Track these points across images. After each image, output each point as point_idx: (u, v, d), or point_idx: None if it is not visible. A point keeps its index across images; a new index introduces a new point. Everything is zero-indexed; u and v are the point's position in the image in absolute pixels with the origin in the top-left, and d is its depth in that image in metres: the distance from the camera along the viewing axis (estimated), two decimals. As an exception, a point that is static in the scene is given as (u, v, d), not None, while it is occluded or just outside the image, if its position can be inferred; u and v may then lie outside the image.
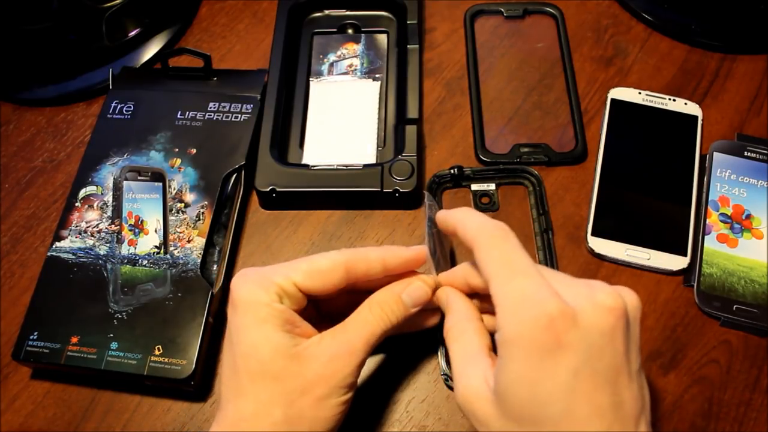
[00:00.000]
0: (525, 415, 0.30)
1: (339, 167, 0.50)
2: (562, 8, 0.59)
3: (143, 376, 0.42)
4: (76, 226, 0.48)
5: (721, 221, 0.48)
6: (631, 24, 0.59)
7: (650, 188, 0.50)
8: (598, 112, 0.54)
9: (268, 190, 0.49)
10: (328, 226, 0.50)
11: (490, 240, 0.33)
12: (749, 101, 0.55)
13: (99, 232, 0.47)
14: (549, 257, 0.47)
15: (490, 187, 0.51)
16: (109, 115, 0.53)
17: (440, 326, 0.41)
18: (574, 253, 0.49)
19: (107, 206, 0.49)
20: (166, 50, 0.56)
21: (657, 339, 0.45)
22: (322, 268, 0.36)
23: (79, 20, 0.58)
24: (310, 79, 0.56)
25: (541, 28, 0.59)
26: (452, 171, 0.50)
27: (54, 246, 0.47)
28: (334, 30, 0.59)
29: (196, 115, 0.52)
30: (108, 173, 0.50)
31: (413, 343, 0.43)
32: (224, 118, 0.52)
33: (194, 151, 0.50)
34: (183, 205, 0.48)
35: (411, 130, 0.50)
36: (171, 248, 0.46)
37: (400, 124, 0.52)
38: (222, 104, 0.53)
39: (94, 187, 0.49)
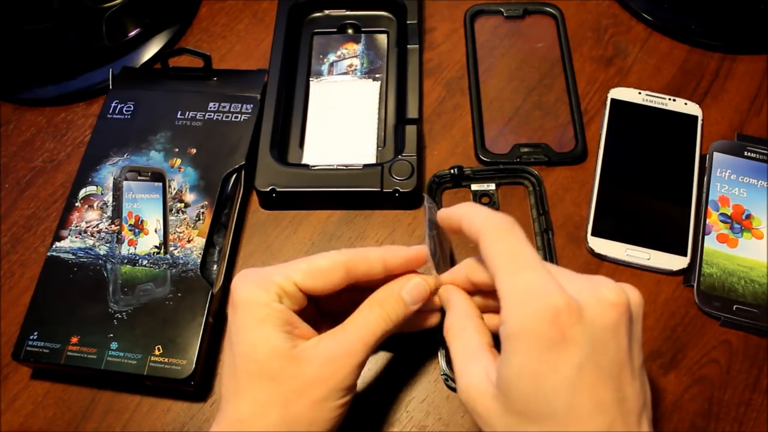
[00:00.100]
0: (528, 410, 0.30)
1: (339, 167, 0.50)
2: (562, 8, 0.59)
3: (143, 376, 0.42)
4: (76, 226, 0.48)
5: (721, 221, 0.48)
6: (631, 24, 0.59)
7: (650, 188, 0.50)
8: (598, 112, 0.54)
9: (268, 190, 0.49)
10: (328, 226, 0.50)
11: (497, 232, 0.33)
12: (749, 101, 0.55)
13: (99, 232, 0.47)
14: (549, 257, 0.47)
15: (490, 187, 0.51)
16: (109, 115, 0.53)
17: (440, 326, 0.41)
18: (574, 253, 0.49)
19: (107, 206, 0.49)
20: (166, 50, 0.56)
21: (657, 339, 0.45)
22: (323, 268, 0.36)
23: (79, 20, 0.58)
24: (310, 79, 0.56)
25: (541, 28, 0.59)
26: (452, 171, 0.50)
27: (54, 246, 0.47)
28: (334, 30, 0.59)
29: (196, 115, 0.52)
30: (108, 173, 0.50)
31: (413, 343, 0.43)
32: (224, 118, 0.52)
33: (194, 151, 0.50)
34: (183, 205, 0.48)
35: (411, 130, 0.51)
36: (171, 248, 0.46)
37: (400, 124, 0.52)
38: (222, 104, 0.53)
39: (94, 187, 0.49)
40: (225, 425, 0.34)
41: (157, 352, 0.42)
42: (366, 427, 0.43)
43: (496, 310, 0.37)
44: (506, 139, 0.53)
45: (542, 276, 0.31)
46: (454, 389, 0.43)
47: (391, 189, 0.48)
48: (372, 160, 0.52)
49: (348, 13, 0.59)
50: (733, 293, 0.46)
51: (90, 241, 0.47)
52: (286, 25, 0.57)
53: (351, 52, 0.58)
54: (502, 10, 0.60)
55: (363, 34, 0.59)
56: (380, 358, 0.45)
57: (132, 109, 0.53)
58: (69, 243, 0.47)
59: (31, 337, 0.43)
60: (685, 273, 0.47)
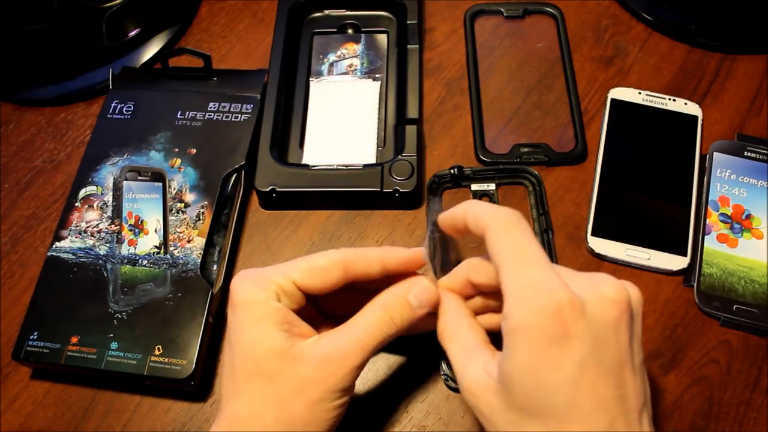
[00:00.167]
0: (529, 405, 0.30)
1: (339, 167, 0.50)
2: (562, 8, 0.59)
3: (143, 376, 0.42)
4: (76, 226, 0.48)
5: (721, 221, 0.48)
6: (631, 24, 0.59)
7: (650, 188, 0.50)
8: (598, 112, 0.54)
9: (268, 190, 0.49)
10: (328, 226, 0.50)
11: (504, 226, 0.33)
12: (749, 101, 0.55)
13: (99, 232, 0.47)
14: (549, 257, 0.47)
15: (490, 187, 0.51)
16: (109, 115, 0.53)
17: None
18: (574, 253, 0.49)
19: (107, 206, 0.49)
20: (166, 50, 0.56)
21: (657, 339, 0.45)
22: (321, 266, 0.36)
23: (79, 20, 0.58)
24: (310, 79, 0.56)
25: (541, 28, 0.59)
26: (452, 171, 0.50)
27: (54, 246, 0.47)
28: (334, 30, 0.59)
29: (196, 115, 0.52)
30: (108, 173, 0.50)
31: (413, 343, 0.43)
32: (224, 118, 0.52)
33: (194, 151, 0.50)
34: (183, 205, 0.48)
35: (411, 130, 0.51)
36: (171, 248, 0.46)
37: (400, 124, 0.52)
38: (222, 104, 0.53)
39: (94, 187, 0.49)
40: (223, 425, 0.34)
41: (157, 352, 0.42)
42: (366, 427, 0.43)
43: (497, 310, 0.37)
44: (506, 139, 0.53)
45: (547, 272, 0.31)
46: (454, 389, 0.43)
47: (391, 189, 0.48)
48: (372, 160, 0.52)
49: (348, 13, 0.59)
50: (733, 293, 0.46)
51: (90, 241, 0.47)
52: (286, 25, 0.57)
53: (351, 52, 0.58)
54: (502, 10, 0.60)
55: (363, 34, 0.59)
56: (380, 359, 0.45)
57: (132, 109, 0.53)
58: (69, 243, 0.47)
59: (31, 337, 0.43)
60: (685, 273, 0.47)
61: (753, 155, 0.51)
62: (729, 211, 0.48)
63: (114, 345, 0.43)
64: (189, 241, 0.47)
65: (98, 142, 0.52)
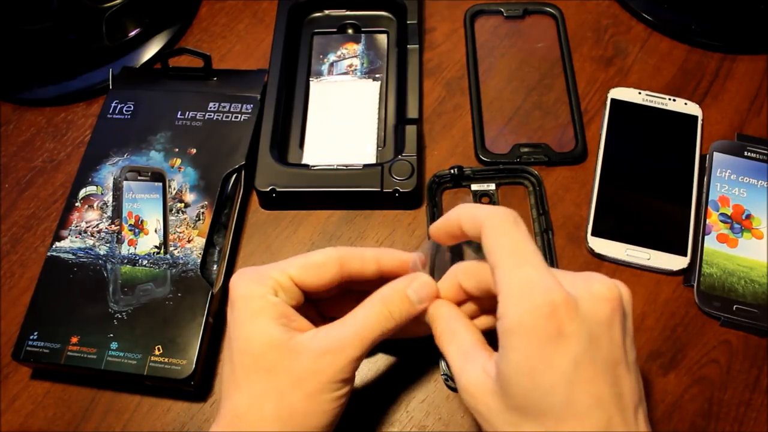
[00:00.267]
0: (527, 406, 0.30)
1: (339, 167, 0.50)
2: (562, 8, 0.59)
3: (143, 376, 0.42)
4: (76, 226, 0.48)
5: (721, 221, 0.48)
6: (631, 24, 0.59)
7: (650, 188, 0.50)
8: (598, 112, 0.54)
9: (268, 190, 0.49)
10: (328, 226, 0.50)
11: (501, 225, 0.33)
12: (749, 101, 0.55)
13: (99, 232, 0.47)
14: (549, 257, 0.47)
15: (490, 187, 0.51)
16: (109, 115, 0.53)
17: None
18: (574, 253, 0.49)
19: (107, 206, 0.49)
20: (166, 50, 0.56)
21: (657, 339, 0.45)
22: (317, 262, 0.36)
23: (79, 20, 0.58)
24: (310, 79, 0.56)
25: (541, 28, 0.59)
26: (452, 171, 0.50)
27: (54, 246, 0.47)
28: (334, 30, 0.59)
29: (196, 115, 0.52)
30: (108, 173, 0.50)
31: (413, 344, 0.43)
32: (224, 118, 0.52)
33: (194, 151, 0.50)
34: (183, 205, 0.48)
35: (411, 130, 0.51)
36: (171, 248, 0.46)
37: (400, 124, 0.52)
38: (222, 104, 0.53)
39: (94, 187, 0.49)
40: (223, 422, 0.34)
41: (157, 352, 0.42)
42: (366, 426, 0.43)
43: (490, 312, 0.37)
44: (506, 139, 0.53)
45: (542, 272, 0.31)
46: (454, 389, 0.43)
47: (391, 189, 0.48)
48: (372, 160, 0.52)
49: (348, 13, 0.59)
50: (733, 293, 0.46)
51: (90, 241, 0.47)
52: (286, 25, 0.57)
53: (351, 52, 0.58)
54: (502, 10, 0.60)
55: (363, 34, 0.59)
56: (380, 359, 0.45)
57: (132, 109, 0.53)
58: (69, 243, 0.47)
59: (31, 337, 0.43)
60: (685, 273, 0.47)
61: (753, 155, 0.51)
62: (729, 211, 0.48)
63: (114, 345, 0.43)
64: (189, 241, 0.47)
65: (98, 142, 0.52)
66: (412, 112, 0.52)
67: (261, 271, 0.36)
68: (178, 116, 0.52)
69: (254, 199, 0.52)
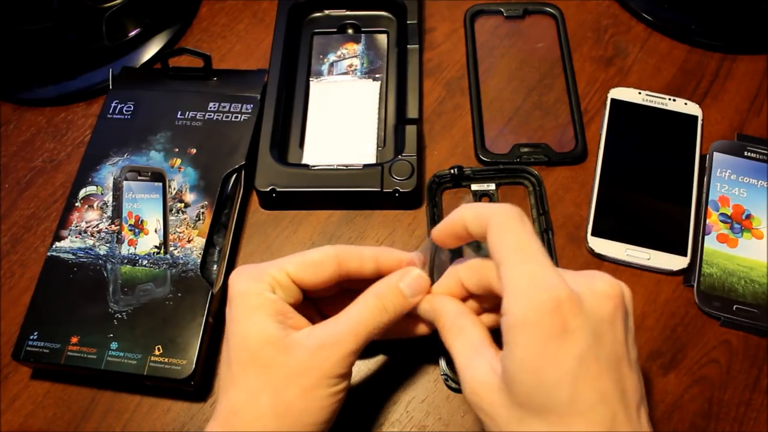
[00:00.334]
0: (531, 403, 0.30)
1: (339, 167, 0.50)
2: (562, 8, 0.59)
3: (143, 376, 0.42)
4: (76, 226, 0.48)
5: (721, 221, 0.48)
6: (631, 24, 0.59)
7: (650, 188, 0.50)
8: (598, 112, 0.54)
9: (268, 190, 0.49)
10: (328, 226, 0.50)
11: (507, 222, 0.32)
12: (749, 101, 0.55)
13: (99, 232, 0.47)
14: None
15: (490, 187, 0.51)
16: (109, 115, 0.53)
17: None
18: (574, 253, 0.49)
19: (107, 206, 0.49)
20: (166, 50, 0.56)
21: (657, 339, 0.45)
22: (315, 260, 0.36)
23: (79, 20, 0.58)
24: (310, 79, 0.56)
25: (541, 28, 0.59)
26: (452, 171, 0.50)
27: (54, 246, 0.47)
28: (334, 30, 0.59)
29: (196, 115, 0.52)
30: (108, 173, 0.50)
31: (413, 344, 0.43)
32: (224, 118, 0.52)
33: (194, 151, 0.50)
34: (183, 205, 0.48)
35: (411, 130, 0.51)
36: (171, 248, 0.46)
37: (400, 124, 0.52)
38: (222, 104, 0.53)
39: (94, 187, 0.49)
40: (219, 418, 0.35)
41: (157, 352, 0.42)
42: (366, 427, 0.43)
43: (490, 311, 0.37)
44: (506, 139, 0.53)
45: (547, 269, 0.31)
46: (454, 389, 0.43)
47: (391, 189, 0.48)
48: (372, 160, 0.52)
49: (348, 13, 0.59)
50: (733, 293, 0.46)
51: (90, 241, 0.47)
52: (286, 25, 0.57)
53: (351, 52, 0.58)
54: (502, 10, 0.60)
55: (363, 34, 0.59)
56: (381, 359, 0.45)
57: (132, 109, 0.53)
58: (69, 243, 0.47)
59: (31, 337, 0.43)
60: (685, 273, 0.47)
61: (753, 155, 0.51)
62: (729, 211, 0.48)
63: (114, 345, 0.43)
64: (189, 241, 0.47)
65: (98, 142, 0.52)
66: (412, 112, 0.52)
67: (259, 269, 0.36)
68: (178, 116, 0.52)
69: (254, 199, 0.52)
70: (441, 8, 0.61)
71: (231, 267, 0.48)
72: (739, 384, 0.44)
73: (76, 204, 0.49)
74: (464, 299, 0.37)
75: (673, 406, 0.43)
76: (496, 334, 0.33)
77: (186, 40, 0.61)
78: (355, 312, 0.36)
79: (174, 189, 0.49)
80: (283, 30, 0.56)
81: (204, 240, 0.47)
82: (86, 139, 0.55)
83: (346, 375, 0.35)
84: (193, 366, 0.42)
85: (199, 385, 0.43)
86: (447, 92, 0.56)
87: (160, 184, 0.49)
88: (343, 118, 0.54)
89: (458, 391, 0.43)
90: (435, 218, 0.49)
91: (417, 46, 0.55)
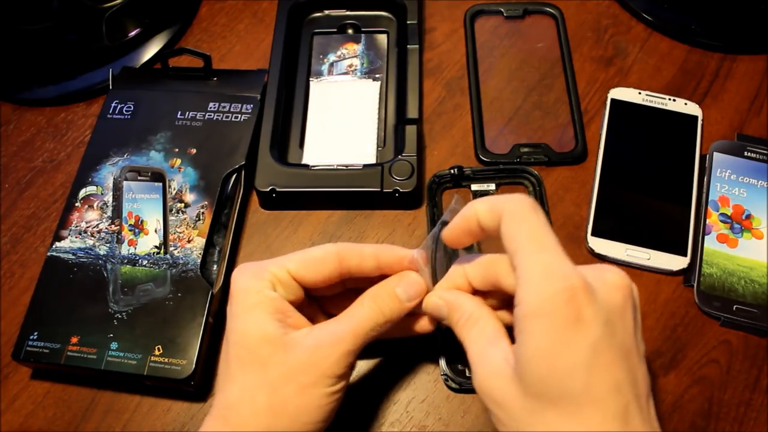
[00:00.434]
0: (546, 392, 0.29)
1: (339, 167, 0.50)
2: (562, 8, 0.59)
3: (143, 376, 0.42)
4: (76, 226, 0.48)
5: (721, 221, 0.48)
6: (631, 24, 0.59)
7: (650, 188, 0.50)
8: (598, 112, 0.54)
9: (268, 190, 0.49)
10: (328, 226, 0.50)
11: (521, 212, 0.32)
12: (749, 101, 0.55)
13: (99, 232, 0.47)
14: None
15: (490, 187, 0.51)
16: (109, 115, 0.53)
17: (439, 327, 0.40)
18: (574, 253, 0.48)
19: (107, 206, 0.49)
20: (166, 50, 0.56)
21: (657, 339, 0.45)
22: (316, 257, 0.37)
23: (79, 20, 0.58)
24: (310, 79, 0.56)
25: (541, 28, 0.59)
26: (452, 171, 0.50)
27: (54, 246, 0.47)
28: (334, 30, 0.59)
29: (196, 115, 0.52)
30: (108, 173, 0.50)
31: (413, 344, 0.43)
32: (224, 118, 0.52)
33: (194, 151, 0.50)
34: (183, 205, 0.48)
35: (411, 130, 0.51)
36: (171, 248, 0.46)
37: (400, 124, 0.52)
38: (222, 104, 0.53)
39: (94, 187, 0.49)
40: (215, 413, 0.35)
41: (157, 352, 0.42)
42: (366, 426, 0.43)
43: (495, 306, 0.37)
44: (506, 139, 0.53)
45: (561, 258, 0.31)
46: (454, 389, 0.43)
47: (391, 189, 0.48)
48: (372, 160, 0.52)
49: (348, 13, 0.59)
50: (733, 293, 0.46)
51: (90, 241, 0.47)
52: (286, 25, 0.57)
53: (351, 52, 0.58)
54: (502, 10, 0.60)
55: (363, 34, 0.59)
56: (381, 359, 0.45)
57: (132, 109, 0.53)
58: (69, 243, 0.47)
59: (31, 337, 0.43)
60: (685, 273, 0.47)
61: (753, 155, 0.51)
62: (729, 211, 0.48)
63: (114, 345, 0.43)
64: (189, 241, 0.47)
65: (98, 142, 0.52)
66: (412, 112, 0.52)
67: (261, 266, 0.36)
68: (178, 116, 0.52)
69: (254, 199, 0.52)
70: (441, 8, 0.61)
71: (231, 267, 0.48)
72: (739, 384, 0.44)
73: (76, 204, 0.49)
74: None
75: (673, 406, 0.43)
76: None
77: (186, 40, 0.61)
78: (353, 314, 0.36)
79: (174, 189, 0.49)
80: (283, 30, 0.56)
81: (204, 240, 0.47)
82: (86, 139, 0.55)
83: (344, 375, 0.35)
84: (193, 366, 0.42)
85: (199, 385, 0.43)
86: (447, 92, 0.56)
87: (160, 184, 0.49)
88: (343, 118, 0.54)
89: (458, 391, 0.43)
90: (435, 218, 0.49)
91: (417, 46, 0.55)
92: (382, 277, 0.38)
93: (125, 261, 0.46)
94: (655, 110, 0.53)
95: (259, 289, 0.35)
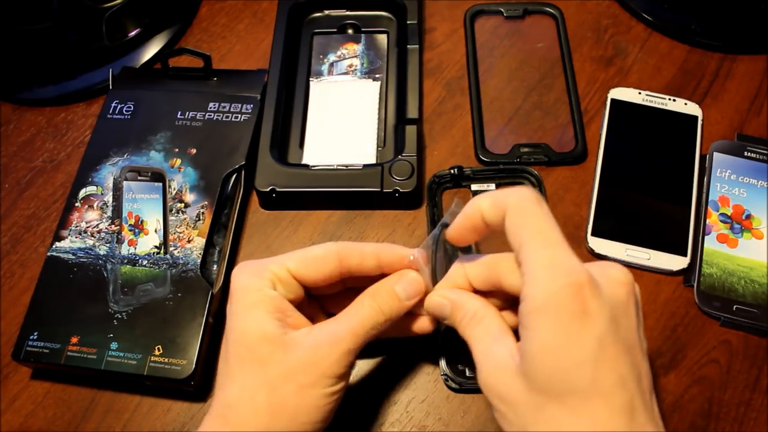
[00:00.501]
0: (552, 386, 0.29)
1: (339, 167, 0.50)
2: (562, 8, 0.59)
3: (143, 376, 0.42)
4: (76, 226, 0.48)
5: (721, 221, 0.48)
6: (631, 24, 0.59)
7: (650, 188, 0.50)
8: (598, 112, 0.54)
9: (268, 190, 0.49)
10: (328, 226, 0.50)
11: (526, 205, 0.32)
12: (749, 101, 0.55)
13: (99, 232, 0.47)
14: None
15: (490, 187, 0.51)
16: (109, 115, 0.53)
17: (439, 327, 0.40)
18: (574, 253, 0.48)
19: (107, 206, 0.49)
20: (166, 50, 0.56)
21: (657, 339, 0.45)
22: (316, 256, 0.37)
23: (79, 20, 0.58)
24: (310, 79, 0.56)
25: (541, 28, 0.59)
26: (452, 171, 0.50)
27: (54, 246, 0.47)
28: (334, 30, 0.59)
29: (196, 115, 0.52)
30: (108, 173, 0.50)
31: (413, 344, 0.43)
32: (224, 118, 0.52)
33: (194, 151, 0.50)
34: (183, 205, 0.48)
35: (411, 130, 0.51)
36: (171, 248, 0.46)
37: (400, 124, 0.52)
38: (222, 104, 0.53)
39: (94, 187, 0.49)
40: (214, 412, 0.35)
41: (157, 352, 0.42)
42: (366, 427, 0.43)
43: (498, 309, 0.37)
44: (506, 139, 0.53)
45: (567, 252, 0.31)
46: (454, 389, 0.43)
47: (391, 189, 0.48)
48: (372, 160, 0.52)
49: (348, 13, 0.59)
50: (733, 293, 0.46)
51: (90, 241, 0.47)
52: (286, 25, 0.57)
53: (351, 52, 0.58)
54: (502, 10, 0.60)
55: (363, 34, 0.59)
56: (381, 359, 0.45)
57: (132, 109, 0.53)
58: (69, 243, 0.47)
59: (31, 337, 0.43)
60: (685, 273, 0.47)
61: (753, 155, 0.51)
62: (729, 211, 0.48)
63: (114, 345, 0.43)
64: (189, 241, 0.47)
65: (98, 142, 0.52)
66: (412, 112, 0.52)
67: (261, 264, 0.36)
68: (178, 116, 0.52)
69: (254, 199, 0.52)
70: (441, 8, 0.61)
71: (231, 267, 0.48)
72: (739, 384, 0.44)
73: (76, 204, 0.49)
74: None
75: (673, 406, 0.43)
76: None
77: (186, 40, 0.61)
78: (352, 313, 0.36)
79: (174, 189, 0.49)
80: (283, 30, 0.56)
81: (204, 240, 0.47)
82: (86, 139, 0.55)
83: (344, 375, 0.35)
84: (193, 366, 0.42)
85: (199, 385, 0.43)
86: (447, 92, 0.56)
87: (160, 184, 0.49)
88: (343, 118, 0.54)
89: (458, 391, 0.43)
90: (435, 218, 0.49)
91: (417, 46, 0.55)
92: (383, 276, 0.38)
93: (125, 261, 0.46)
94: (655, 110, 0.53)
95: (259, 287, 0.35)
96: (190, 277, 0.45)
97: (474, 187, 0.51)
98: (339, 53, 0.58)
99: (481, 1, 0.61)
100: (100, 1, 0.58)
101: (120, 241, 0.47)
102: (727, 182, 0.50)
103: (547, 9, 0.59)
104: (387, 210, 0.51)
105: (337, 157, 0.52)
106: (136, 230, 0.47)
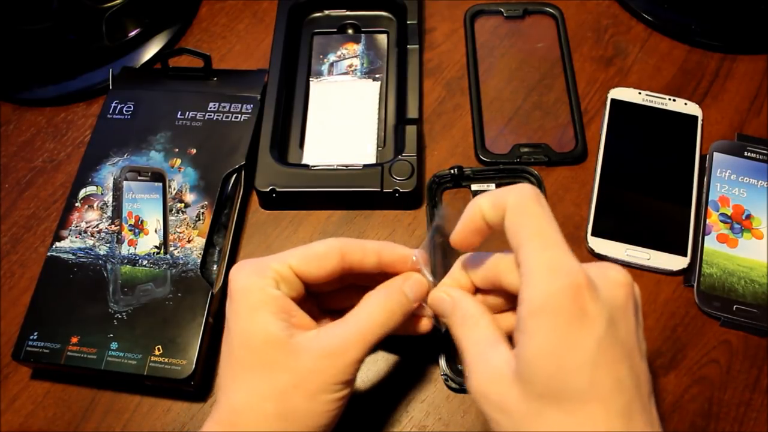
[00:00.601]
0: (549, 391, 0.29)
1: (339, 167, 0.50)
2: (562, 8, 0.59)
3: (143, 376, 0.42)
4: (76, 226, 0.48)
5: (721, 221, 0.48)
6: (631, 24, 0.59)
7: (650, 188, 0.50)
8: (598, 112, 0.54)
9: (268, 190, 0.49)
10: (328, 226, 0.50)
11: (524, 204, 0.32)
12: (749, 101, 0.55)
13: (99, 232, 0.47)
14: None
15: (491, 187, 0.51)
16: (109, 115, 0.53)
17: (439, 327, 0.40)
18: (573, 253, 0.48)
19: (107, 206, 0.49)
20: (166, 50, 0.56)
21: (657, 339, 0.45)
22: (318, 253, 0.36)
23: (79, 20, 0.58)
24: (310, 79, 0.56)
25: (541, 28, 0.59)
26: (452, 171, 0.50)
27: (54, 246, 0.47)
28: (334, 30, 0.59)
29: (196, 115, 0.52)
30: (108, 173, 0.50)
31: (413, 344, 0.43)
32: (224, 118, 0.52)
33: (194, 151, 0.50)
34: (183, 205, 0.48)
35: (411, 130, 0.51)
36: (171, 248, 0.46)
37: (400, 124, 0.52)
38: (222, 104, 0.53)
39: (94, 187, 0.49)
40: (219, 418, 0.34)
41: (157, 352, 0.42)
42: (366, 427, 0.43)
43: (494, 308, 0.37)
44: (506, 139, 0.53)
45: (566, 254, 0.31)
46: (454, 389, 0.43)
47: (391, 189, 0.48)
48: (372, 160, 0.52)
49: (348, 13, 0.59)
50: (733, 293, 0.46)
51: (90, 241, 0.47)
52: (286, 25, 0.57)
53: (351, 52, 0.58)
54: (502, 10, 0.60)
55: (363, 34, 0.59)
56: (380, 359, 0.45)
57: (132, 109, 0.53)
58: (69, 243, 0.47)
59: (31, 337, 0.43)
60: (685, 273, 0.47)
61: (753, 155, 0.51)
62: (729, 211, 0.48)
63: (114, 345, 0.43)
64: (189, 241, 0.47)
65: (98, 142, 0.52)
66: (412, 112, 0.52)
67: (261, 263, 0.36)
68: (178, 116, 0.52)
69: (254, 199, 0.52)
70: (441, 8, 0.61)
71: (231, 267, 0.48)
72: (739, 384, 0.44)
73: (76, 204, 0.49)
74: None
75: (673, 406, 0.43)
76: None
77: (186, 40, 0.61)
78: (363, 316, 0.35)
79: (174, 189, 0.49)
80: (283, 30, 0.56)
81: (204, 240, 0.47)
82: (86, 139, 0.55)
83: (351, 381, 0.35)
84: (193, 366, 0.42)
85: (199, 385, 0.43)
86: (447, 92, 0.56)
87: (160, 184, 0.49)
88: (343, 118, 0.54)
89: (458, 391, 0.43)
90: (435, 218, 0.49)
91: (417, 46, 0.55)
92: (381, 273, 0.38)
93: (125, 261, 0.46)
94: (655, 110, 0.53)
95: (261, 287, 0.34)
96: (190, 277, 0.45)
97: (474, 187, 0.51)
98: (339, 53, 0.58)
99: (481, 1, 0.61)
100: (100, 1, 0.58)
101: (120, 241, 0.47)
102: (727, 182, 0.50)
103: (547, 9, 0.60)
104: (387, 210, 0.51)
105: (337, 157, 0.52)
106: (136, 230, 0.47)
